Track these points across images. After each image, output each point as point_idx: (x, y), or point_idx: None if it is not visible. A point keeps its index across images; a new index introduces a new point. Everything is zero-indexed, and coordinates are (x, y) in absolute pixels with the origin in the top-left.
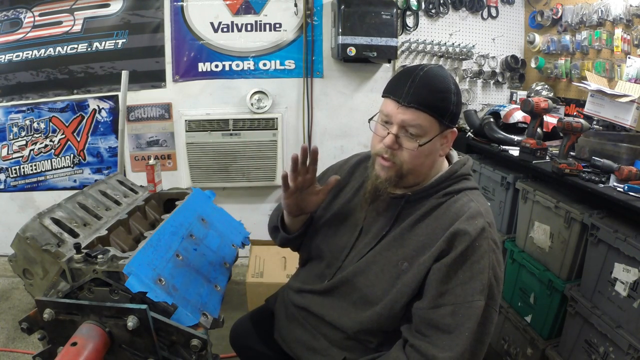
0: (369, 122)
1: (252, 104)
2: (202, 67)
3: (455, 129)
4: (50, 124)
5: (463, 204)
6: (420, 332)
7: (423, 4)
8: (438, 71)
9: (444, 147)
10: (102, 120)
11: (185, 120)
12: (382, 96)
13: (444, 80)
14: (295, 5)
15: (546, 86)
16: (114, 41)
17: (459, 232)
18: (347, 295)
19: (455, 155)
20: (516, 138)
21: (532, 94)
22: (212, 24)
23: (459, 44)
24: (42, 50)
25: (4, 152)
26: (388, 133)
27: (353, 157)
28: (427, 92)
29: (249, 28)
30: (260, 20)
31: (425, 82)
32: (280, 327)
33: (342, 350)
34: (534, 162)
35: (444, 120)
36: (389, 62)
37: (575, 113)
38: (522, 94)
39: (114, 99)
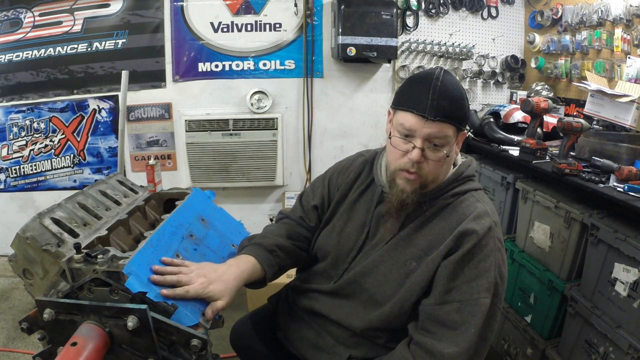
0: (388, 138)
1: (252, 104)
2: (202, 67)
3: (465, 130)
4: (50, 124)
5: (470, 204)
6: (425, 329)
7: (423, 4)
8: (451, 78)
9: (456, 149)
10: (102, 120)
11: (185, 120)
12: (396, 108)
13: (459, 87)
14: (295, 5)
15: (546, 86)
16: (114, 41)
17: (467, 231)
18: (354, 296)
19: (459, 156)
20: (516, 138)
21: (532, 94)
22: (212, 24)
23: (459, 44)
24: (42, 50)
25: (4, 152)
26: (413, 147)
27: (358, 157)
28: (449, 103)
29: (249, 28)
30: (260, 20)
31: (444, 91)
32: (284, 326)
33: (348, 348)
34: (534, 162)
35: (462, 126)
36: (389, 62)
37: (575, 113)
38: (522, 94)
39: (114, 99)
